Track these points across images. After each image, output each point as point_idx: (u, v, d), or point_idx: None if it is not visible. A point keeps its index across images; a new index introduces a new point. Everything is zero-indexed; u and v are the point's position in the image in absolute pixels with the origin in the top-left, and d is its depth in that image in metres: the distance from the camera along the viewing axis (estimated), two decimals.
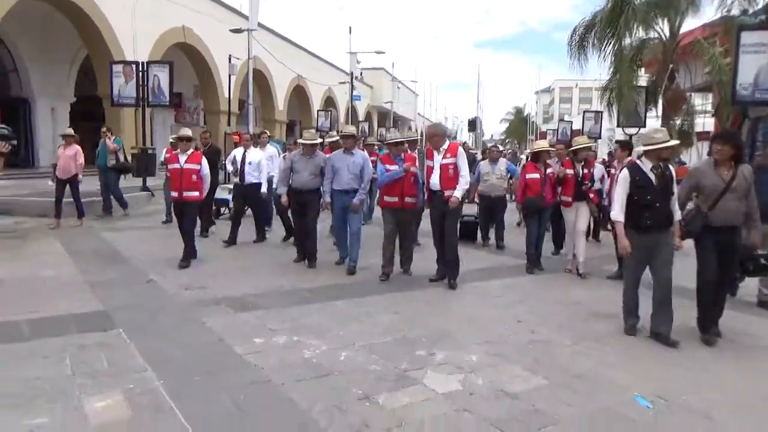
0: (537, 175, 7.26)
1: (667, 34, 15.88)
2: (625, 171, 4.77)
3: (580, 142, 7.48)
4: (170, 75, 14.29)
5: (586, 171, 7.11)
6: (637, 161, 4.78)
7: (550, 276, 7.20)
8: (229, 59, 22.71)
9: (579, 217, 7.13)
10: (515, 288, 6.53)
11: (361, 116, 46.85)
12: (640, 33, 15.71)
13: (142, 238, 9.13)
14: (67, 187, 9.84)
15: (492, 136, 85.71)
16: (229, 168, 9.12)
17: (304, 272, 6.98)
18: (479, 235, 9.38)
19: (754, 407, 3.56)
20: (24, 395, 3.36)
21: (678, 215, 4.72)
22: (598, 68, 15.97)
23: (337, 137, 8.68)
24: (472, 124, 73.12)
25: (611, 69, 15.14)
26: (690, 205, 4.85)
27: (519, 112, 76.36)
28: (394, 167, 6.50)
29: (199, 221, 8.06)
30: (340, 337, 4.55)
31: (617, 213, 4.72)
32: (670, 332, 4.59)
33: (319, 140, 7.62)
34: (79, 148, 10.11)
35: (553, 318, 5.31)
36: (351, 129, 7.96)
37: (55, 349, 4.09)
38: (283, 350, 4.25)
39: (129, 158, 12.49)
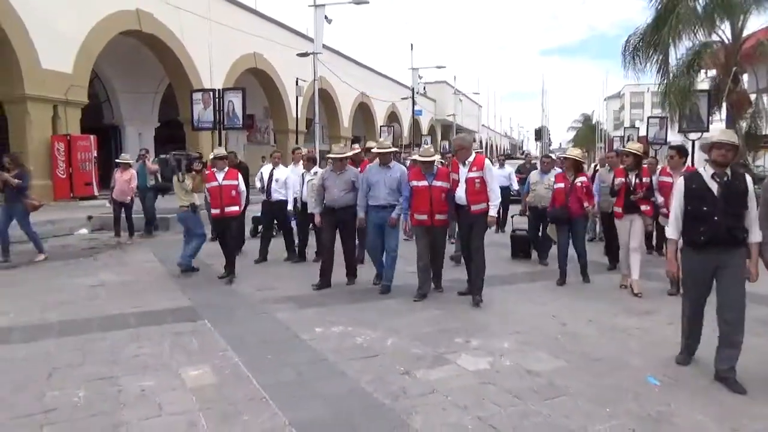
0: (562, 185, 7.12)
1: (729, 36, 15.65)
2: (681, 179, 4.22)
3: (569, 152, 7.49)
4: (243, 100, 15.53)
5: (638, 181, 6.60)
6: (699, 168, 4.24)
7: (597, 287, 6.97)
8: (296, 82, 24.08)
9: (631, 231, 6.64)
10: (555, 291, 6.94)
11: (424, 130, 47.62)
12: (700, 36, 15.55)
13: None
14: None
15: (560, 144, 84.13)
16: (257, 185, 9.10)
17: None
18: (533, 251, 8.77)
19: None
20: (135, 366, 4.25)
21: (757, 236, 3.94)
22: (654, 74, 15.66)
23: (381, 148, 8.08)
24: (538, 134, 72.41)
25: (660, 75, 15.07)
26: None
27: (587, 119, 74.72)
28: (422, 183, 6.22)
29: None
30: (388, 328, 5.22)
31: (671, 229, 4.20)
32: (734, 372, 3.87)
33: (350, 153, 7.42)
34: (134, 172, 10.89)
35: (583, 313, 5.76)
36: (387, 143, 7.62)
37: (157, 335, 5.01)
38: (339, 337, 4.97)
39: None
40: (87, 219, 12.51)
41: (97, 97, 23.14)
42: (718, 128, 17.45)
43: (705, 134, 16.23)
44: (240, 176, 7.64)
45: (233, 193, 7.44)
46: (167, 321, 5.44)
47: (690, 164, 6.54)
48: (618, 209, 6.75)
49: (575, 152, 7.59)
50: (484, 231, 6.14)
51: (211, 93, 15.98)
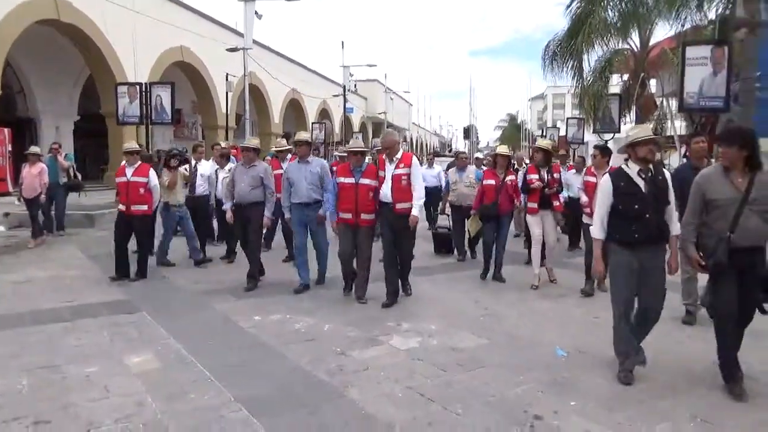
0: (492, 182, 7.17)
1: (638, 44, 16.97)
2: (606, 178, 4.08)
3: (498, 149, 7.72)
4: (172, 95, 15.27)
5: (550, 177, 6.89)
6: (622, 166, 4.06)
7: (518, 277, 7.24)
8: (226, 77, 23.79)
9: (545, 226, 6.91)
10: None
11: (356, 127, 47.95)
12: (612, 44, 16.76)
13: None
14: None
15: (488, 143, 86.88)
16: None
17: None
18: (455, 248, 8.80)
19: None
20: (76, 355, 4.33)
21: (676, 229, 3.98)
22: (569, 78, 16.77)
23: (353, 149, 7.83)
24: (467, 132, 74.46)
25: (575, 80, 16.17)
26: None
27: (513, 119, 77.72)
28: (349, 181, 5.94)
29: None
30: (325, 315, 5.51)
31: (596, 229, 4.09)
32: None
33: (257, 147, 7.04)
34: (44, 166, 9.98)
35: (504, 298, 6.29)
36: (304, 135, 7.00)
37: (94, 327, 5.06)
38: (278, 324, 5.22)
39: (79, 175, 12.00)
40: (3, 216, 11.97)
41: (10, 88, 21.88)
42: (629, 128, 19.01)
43: (617, 135, 17.60)
44: (152, 172, 7.29)
45: (141, 190, 7.09)
46: (103, 313, 5.49)
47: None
48: (533, 205, 6.89)
49: (504, 150, 7.68)
50: (413, 232, 5.98)
51: (138, 87, 15.61)
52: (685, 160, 7.55)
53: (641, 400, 3.65)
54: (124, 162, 7.36)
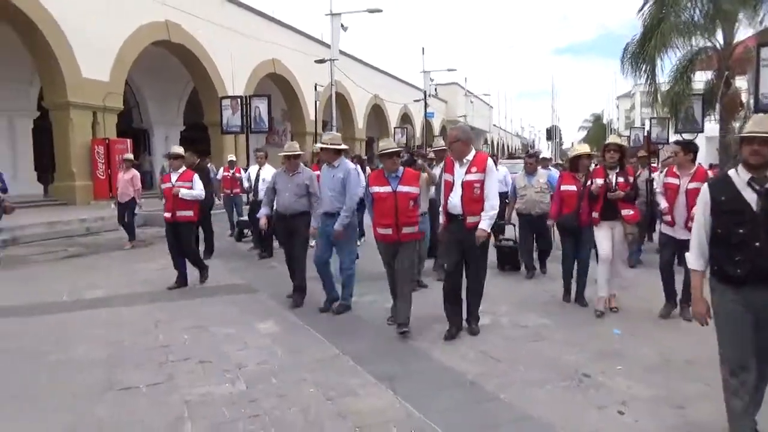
0: (573, 187, 6.11)
1: (722, 42, 16.72)
2: (705, 189, 3.05)
3: (578, 149, 6.64)
4: (269, 105, 16.86)
5: (621, 180, 5.74)
6: (731, 172, 2.99)
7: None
8: (315, 87, 25.34)
9: (607, 241, 5.78)
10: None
11: (436, 131, 48.80)
12: (694, 43, 16.65)
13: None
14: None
15: (572, 143, 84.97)
16: (245, 184, 9.33)
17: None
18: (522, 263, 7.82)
19: None
20: (217, 321, 5.51)
21: None
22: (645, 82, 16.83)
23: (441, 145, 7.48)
24: (549, 133, 73.30)
25: (648, 84, 16.21)
26: None
27: (597, 118, 75.53)
28: (385, 189, 5.10)
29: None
30: None
31: (693, 257, 3.09)
32: None
33: (301, 152, 6.44)
34: (136, 172, 10.41)
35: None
36: (329, 137, 6.13)
37: (225, 302, 6.33)
38: (369, 303, 6.19)
39: None
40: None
41: (128, 103, 24.60)
42: (713, 128, 18.63)
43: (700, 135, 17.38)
44: (196, 178, 7.08)
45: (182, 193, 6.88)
46: (230, 293, 6.75)
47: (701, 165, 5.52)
48: (595, 215, 5.81)
49: (586, 149, 6.51)
50: (486, 248, 5.04)
51: (239, 99, 17.32)
52: None
53: (682, 368, 4.29)
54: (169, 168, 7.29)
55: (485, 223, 4.80)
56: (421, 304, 5.61)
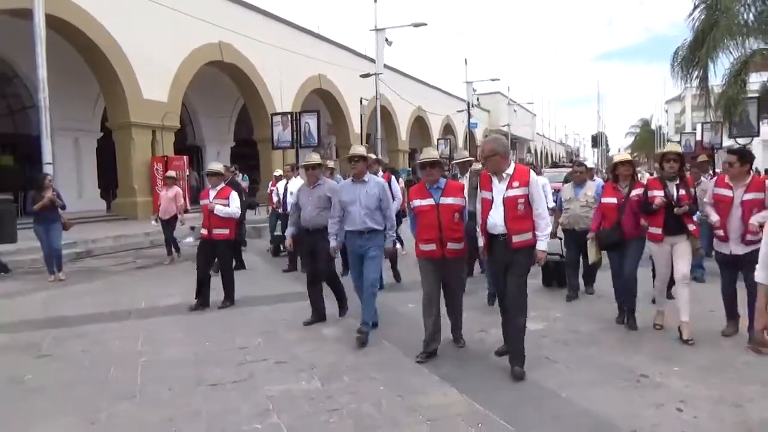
0: (613, 200, 5.78)
1: None
2: None
3: (616, 157, 6.29)
4: (318, 121, 17.42)
5: (683, 192, 5.25)
6: None
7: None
8: (360, 101, 25.90)
9: (675, 258, 5.29)
10: None
11: (479, 141, 48.84)
12: (748, 45, 16.32)
13: None
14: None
15: (619, 150, 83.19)
16: (274, 198, 9.54)
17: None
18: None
19: None
20: (285, 326, 5.90)
21: None
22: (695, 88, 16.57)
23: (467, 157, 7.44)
24: (595, 140, 72.01)
25: (699, 89, 15.95)
26: None
27: (646, 124, 73.74)
28: (427, 202, 4.81)
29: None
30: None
31: (762, 270, 2.83)
32: None
33: (320, 162, 6.11)
34: (179, 189, 10.67)
35: None
36: (359, 149, 5.63)
37: (289, 309, 6.67)
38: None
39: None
40: (190, 229, 14.58)
41: (183, 121, 25.74)
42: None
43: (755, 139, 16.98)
44: (233, 195, 6.88)
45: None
46: (292, 300, 7.10)
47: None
48: (656, 230, 5.34)
49: (624, 157, 6.17)
50: (526, 271, 4.52)
51: (289, 116, 17.96)
52: None
53: (740, 369, 4.39)
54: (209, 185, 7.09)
55: (543, 244, 4.41)
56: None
